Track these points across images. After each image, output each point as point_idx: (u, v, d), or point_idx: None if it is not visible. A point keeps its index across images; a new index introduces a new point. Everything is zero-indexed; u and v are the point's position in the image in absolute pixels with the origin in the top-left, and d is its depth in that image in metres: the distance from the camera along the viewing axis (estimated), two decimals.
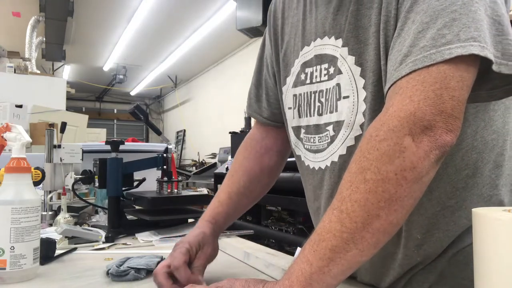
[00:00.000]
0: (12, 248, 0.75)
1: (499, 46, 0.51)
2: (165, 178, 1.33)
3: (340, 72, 0.65)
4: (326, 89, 0.69)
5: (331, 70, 0.68)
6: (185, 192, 1.43)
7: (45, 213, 1.41)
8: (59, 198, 1.44)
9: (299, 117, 0.77)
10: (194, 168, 8.00)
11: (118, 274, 0.78)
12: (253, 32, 4.40)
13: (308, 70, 0.73)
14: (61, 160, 1.47)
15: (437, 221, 0.63)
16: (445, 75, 0.48)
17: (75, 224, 1.31)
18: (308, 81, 0.74)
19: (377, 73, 0.61)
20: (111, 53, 7.98)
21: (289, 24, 0.81)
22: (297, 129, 0.79)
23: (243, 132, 4.62)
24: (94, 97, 11.78)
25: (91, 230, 1.14)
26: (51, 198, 1.45)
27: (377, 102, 0.61)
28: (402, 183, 0.47)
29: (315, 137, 0.73)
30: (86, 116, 4.20)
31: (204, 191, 4.96)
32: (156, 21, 6.25)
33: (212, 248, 0.76)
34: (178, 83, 10.15)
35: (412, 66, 0.50)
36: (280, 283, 0.51)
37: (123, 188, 1.27)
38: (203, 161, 8.08)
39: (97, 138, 4.26)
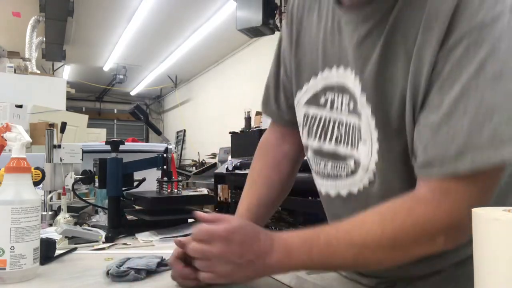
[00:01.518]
0: (12, 248, 0.75)
1: None
2: (165, 178, 1.33)
3: (360, 116, 0.65)
4: (347, 123, 0.69)
5: (351, 105, 0.67)
6: (185, 192, 1.43)
7: (45, 213, 1.41)
8: (59, 198, 1.44)
9: (308, 136, 0.77)
10: (194, 168, 8.00)
11: (118, 274, 0.78)
12: (253, 32, 4.40)
13: (329, 95, 0.72)
14: (61, 160, 1.47)
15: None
16: (489, 183, 0.52)
17: (75, 224, 1.31)
18: (328, 106, 0.72)
19: (390, 130, 0.61)
20: (111, 53, 7.98)
21: (307, 36, 0.77)
22: (305, 147, 0.80)
23: (243, 132, 4.62)
24: (94, 97, 11.77)
25: (91, 230, 1.14)
26: (51, 198, 1.45)
27: (389, 158, 0.62)
28: (414, 256, 0.56)
29: (328, 162, 0.74)
30: (86, 116, 4.19)
31: (204, 191, 4.96)
32: (156, 21, 6.25)
33: None
34: (178, 83, 10.15)
35: (471, 165, 0.50)
36: (280, 259, 0.59)
37: (123, 188, 1.27)
38: (203, 161, 8.07)
39: (97, 138, 4.26)
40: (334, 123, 0.72)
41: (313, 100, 0.75)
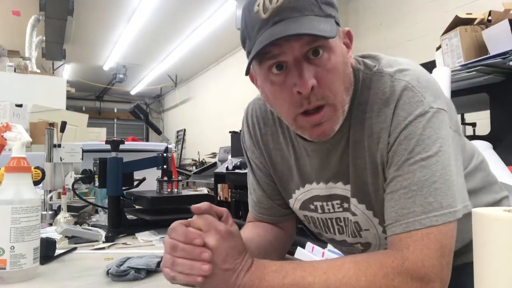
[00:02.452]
0: (12, 247, 0.75)
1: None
2: (165, 178, 1.33)
3: (355, 214, 0.77)
4: (344, 218, 0.81)
5: (345, 205, 0.78)
6: (185, 192, 1.43)
7: (45, 212, 1.41)
8: (59, 197, 1.44)
9: (318, 229, 0.88)
10: (194, 167, 8.00)
11: (118, 274, 0.78)
12: None
13: (317, 203, 0.82)
14: (61, 160, 1.47)
15: None
16: (442, 236, 0.61)
17: (75, 223, 1.31)
18: (319, 211, 0.83)
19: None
20: (111, 52, 7.98)
21: (279, 156, 0.85)
22: (318, 234, 0.91)
23: None
24: (94, 96, 11.77)
25: (91, 230, 1.14)
26: (51, 197, 1.45)
27: None
28: None
29: (342, 248, 0.88)
30: (86, 115, 4.19)
31: (204, 190, 4.97)
32: (156, 20, 6.25)
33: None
34: (178, 82, 10.15)
35: (405, 227, 0.62)
36: (252, 280, 0.61)
37: (123, 188, 1.27)
38: (203, 161, 8.07)
39: (97, 137, 4.26)
40: (331, 220, 0.83)
41: (305, 206, 0.85)
